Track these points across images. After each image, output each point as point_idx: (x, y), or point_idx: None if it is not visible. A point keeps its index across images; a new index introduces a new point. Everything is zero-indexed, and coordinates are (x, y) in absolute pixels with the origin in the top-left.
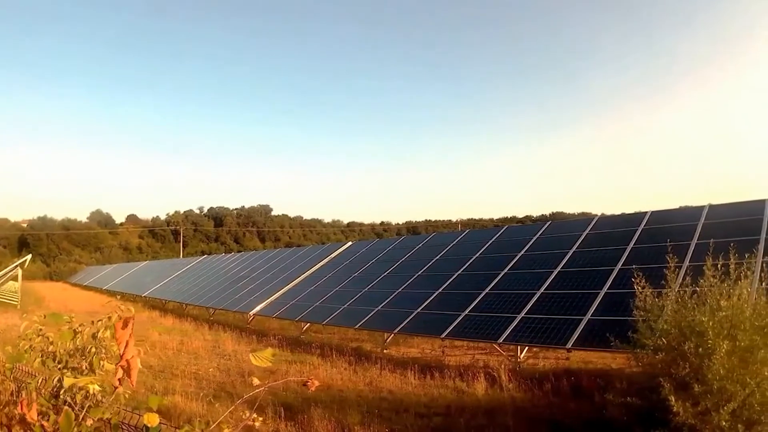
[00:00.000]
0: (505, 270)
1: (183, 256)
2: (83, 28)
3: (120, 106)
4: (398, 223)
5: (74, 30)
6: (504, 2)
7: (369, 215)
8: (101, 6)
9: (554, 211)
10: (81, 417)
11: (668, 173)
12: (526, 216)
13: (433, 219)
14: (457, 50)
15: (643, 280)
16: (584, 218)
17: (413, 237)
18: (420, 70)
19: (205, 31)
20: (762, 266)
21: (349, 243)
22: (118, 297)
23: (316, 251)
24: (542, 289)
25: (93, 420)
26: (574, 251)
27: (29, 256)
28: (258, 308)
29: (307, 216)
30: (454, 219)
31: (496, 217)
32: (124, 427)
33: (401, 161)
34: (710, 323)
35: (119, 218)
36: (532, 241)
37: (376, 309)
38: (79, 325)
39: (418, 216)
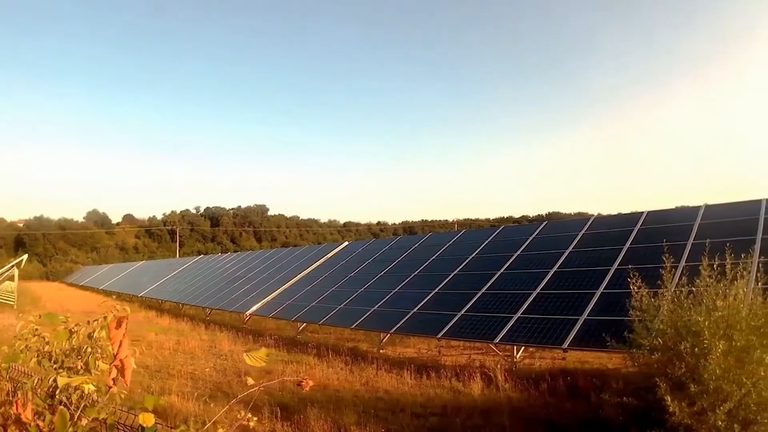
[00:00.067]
0: (502, 270)
1: (179, 256)
2: (83, 28)
3: (120, 106)
4: (395, 223)
5: (74, 30)
6: (504, 2)
7: (366, 215)
8: (101, 6)
9: (551, 211)
10: (76, 417)
11: (668, 173)
12: (523, 216)
13: (429, 219)
14: (457, 50)
15: (640, 280)
16: (580, 218)
17: (409, 237)
18: (420, 70)
19: (205, 31)
20: (758, 266)
21: (346, 243)
22: (114, 297)
23: (313, 251)
24: (538, 289)
25: (88, 420)
26: (570, 251)
27: (25, 256)
28: (254, 308)
29: (304, 216)
30: (450, 219)
31: (492, 216)
32: (120, 426)
33: (401, 161)
34: (706, 323)
35: (116, 218)
36: (529, 241)
37: (373, 309)
38: (75, 325)
39: (415, 216)
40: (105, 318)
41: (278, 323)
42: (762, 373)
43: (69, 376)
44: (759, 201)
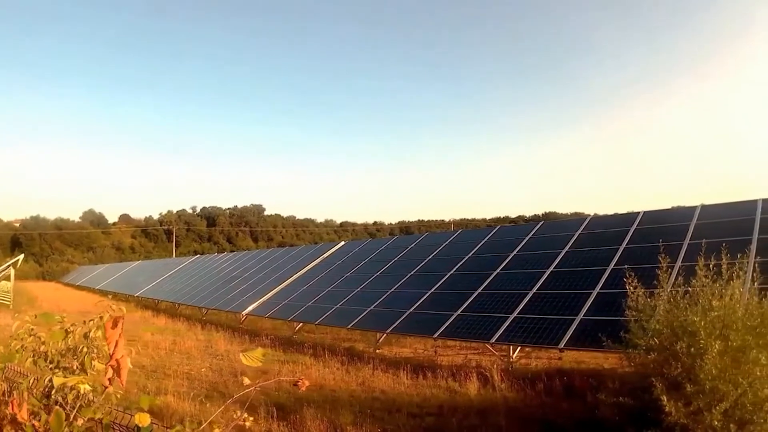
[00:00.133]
0: (498, 270)
1: (176, 256)
2: (83, 28)
3: (120, 106)
4: (391, 223)
5: (74, 30)
6: (504, 2)
7: (364, 215)
8: (101, 6)
9: (547, 210)
10: (72, 417)
11: (668, 173)
12: (519, 216)
13: (426, 219)
14: (457, 50)
15: (636, 280)
16: (577, 218)
17: (406, 237)
18: (420, 70)
19: (205, 31)
20: (754, 266)
21: (342, 243)
22: (110, 297)
23: (309, 251)
24: (535, 289)
25: (83, 420)
26: (566, 251)
27: (22, 256)
28: (250, 308)
29: (300, 216)
30: (447, 219)
31: (489, 216)
32: (115, 427)
33: (401, 161)
34: (702, 323)
35: (112, 218)
36: (525, 241)
37: (369, 309)
38: (71, 325)
39: (412, 216)
40: (101, 318)
41: (274, 323)
42: (758, 373)
43: (65, 376)
44: (755, 201)
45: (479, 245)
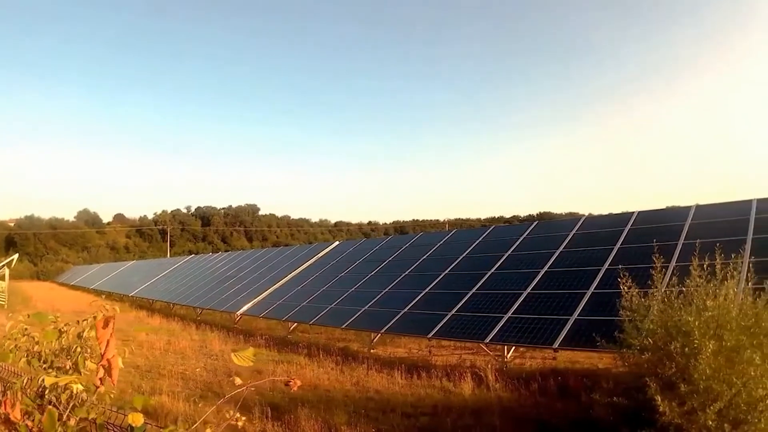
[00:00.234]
0: (492, 270)
1: (170, 256)
2: (83, 28)
3: (119, 106)
4: (386, 223)
5: (74, 30)
6: (503, 2)
7: (361, 215)
8: (101, 6)
9: (542, 210)
10: (65, 416)
11: (667, 173)
12: (514, 216)
13: (420, 219)
14: (457, 50)
15: (630, 280)
16: (571, 218)
17: (400, 237)
18: (420, 69)
19: (205, 31)
20: (748, 266)
21: (336, 243)
22: (104, 297)
23: (303, 251)
24: (529, 289)
25: (76, 419)
26: (561, 251)
27: (16, 256)
28: (245, 308)
29: (295, 215)
30: (441, 219)
31: (484, 216)
32: (109, 426)
33: (401, 161)
34: (696, 323)
35: (106, 218)
36: (519, 241)
37: (363, 309)
38: (65, 325)
39: (408, 216)
40: (95, 318)
41: (269, 323)
42: (752, 373)
43: (56, 376)
44: (749, 201)
45: (474, 245)
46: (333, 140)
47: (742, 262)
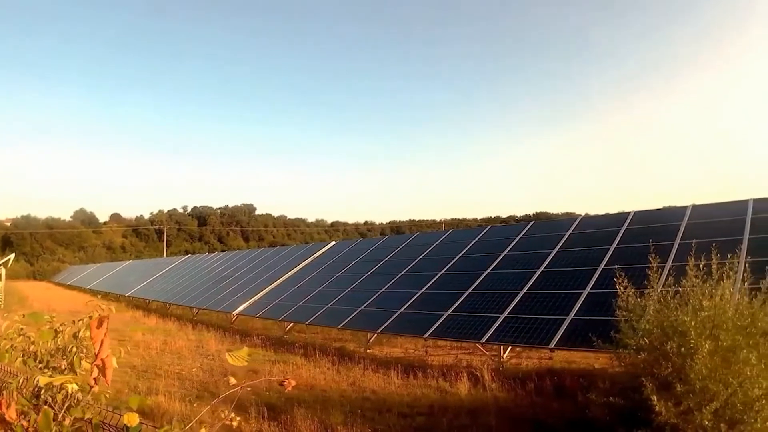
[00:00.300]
0: (489, 270)
1: (166, 256)
2: (83, 28)
3: (119, 106)
4: (382, 223)
5: (74, 30)
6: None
7: (357, 215)
8: (101, 6)
9: (538, 210)
10: (60, 416)
11: (667, 173)
12: (510, 216)
13: (417, 219)
14: (456, 50)
15: (626, 280)
16: (568, 218)
17: (396, 237)
18: (420, 69)
19: (205, 31)
20: (745, 266)
21: (333, 243)
22: (99, 297)
23: (300, 251)
24: (525, 289)
25: (71, 419)
26: (557, 251)
27: (12, 255)
28: (241, 308)
29: (291, 215)
30: (438, 219)
31: (481, 216)
32: (105, 426)
33: (400, 161)
34: (692, 323)
35: (103, 217)
36: (516, 241)
37: (359, 309)
38: (60, 325)
39: (405, 216)
40: (90, 317)
41: (265, 323)
42: (748, 373)
43: (52, 376)
44: (746, 201)
45: (470, 245)
46: (333, 140)
47: (738, 262)
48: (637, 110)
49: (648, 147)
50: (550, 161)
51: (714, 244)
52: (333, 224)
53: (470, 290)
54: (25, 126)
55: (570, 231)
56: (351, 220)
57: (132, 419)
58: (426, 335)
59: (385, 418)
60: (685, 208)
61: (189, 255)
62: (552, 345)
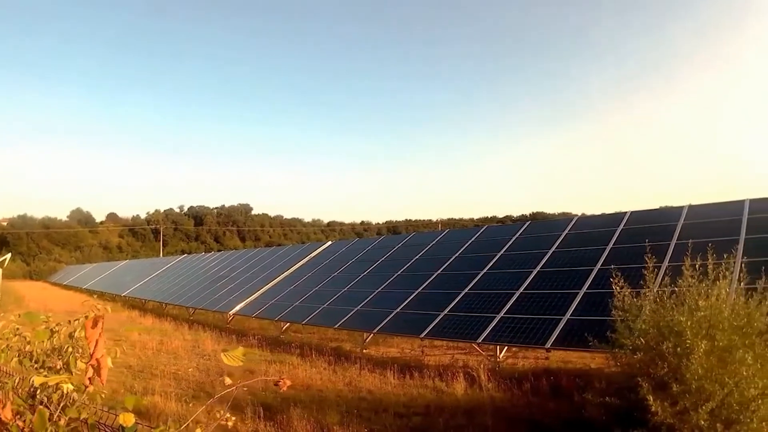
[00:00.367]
0: (485, 270)
1: (163, 255)
2: (83, 28)
3: (119, 106)
4: (378, 223)
5: (74, 30)
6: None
7: (353, 215)
8: (101, 6)
9: (535, 210)
10: (56, 416)
11: (666, 172)
12: (507, 216)
13: (413, 219)
14: (456, 50)
15: (622, 280)
16: (564, 218)
17: (393, 237)
18: (420, 69)
19: (205, 31)
20: (741, 266)
21: (329, 243)
22: (95, 296)
23: (296, 251)
24: (522, 289)
25: (66, 419)
26: (553, 251)
27: (9, 255)
28: (238, 308)
29: (288, 215)
30: (434, 219)
31: (477, 216)
32: (100, 426)
33: (400, 161)
34: (689, 323)
35: (99, 217)
36: (512, 241)
37: (356, 309)
38: (56, 325)
39: (400, 216)
40: (86, 317)
41: (261, 323)
42: (744, 373)
43: (47, 376)
44: (742, 201)
45: (466, 245)
46: (332, 140)
47: (734, 262)
48: (637, 110)
49: (647, 147)
50: (549, 161)
51: (710, 244)
52: (329, 224)
53: (466, 290)
54: (25, 126)
55: (566, 231)
56: (348, 220)
57: (128, 419)
58: (422, 335)
59: (381, 418)
60: (681, 208)
61: (185, 255)
62: (548, 345)
